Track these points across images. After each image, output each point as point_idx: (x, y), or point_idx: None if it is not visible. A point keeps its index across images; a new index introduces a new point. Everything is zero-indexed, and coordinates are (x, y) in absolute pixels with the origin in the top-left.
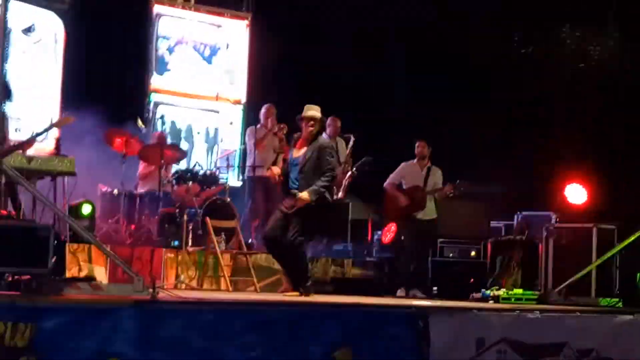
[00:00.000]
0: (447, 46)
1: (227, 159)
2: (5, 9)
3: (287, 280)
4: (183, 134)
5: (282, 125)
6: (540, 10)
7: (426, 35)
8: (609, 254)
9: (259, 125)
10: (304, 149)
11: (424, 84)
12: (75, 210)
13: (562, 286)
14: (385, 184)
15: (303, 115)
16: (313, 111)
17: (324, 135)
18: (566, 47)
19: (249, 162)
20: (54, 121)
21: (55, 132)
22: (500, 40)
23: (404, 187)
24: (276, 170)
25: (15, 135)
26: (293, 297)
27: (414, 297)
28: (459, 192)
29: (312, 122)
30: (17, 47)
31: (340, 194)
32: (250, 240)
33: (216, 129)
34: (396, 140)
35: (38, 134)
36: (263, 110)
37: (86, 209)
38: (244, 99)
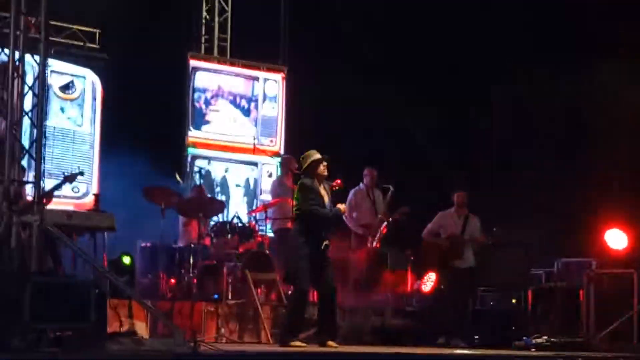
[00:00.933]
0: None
1: (266, 211)
2: (45, 67)
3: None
4: (220, 187)
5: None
6: (574, 54)
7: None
8: None
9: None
10: (326, 195)
11: (459, 132)
12: (115, 264)
13: (604, 332)
14: (423, 233)
15: (316, 159)
16: (317, 154)
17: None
18: (603, 91)
19: (276, 214)
20: (67, 175)
21: (94, 188)
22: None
23: (442, 236)
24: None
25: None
26: (332, 347)
27: (456, 346)
28: (497, 240)
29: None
30: (56, 105)
31: (375, 244)
32: (289, 292)
33: (256, 181)
34: (434, 190)
35: (54, 189)
36: (283, 161)
37: (126, 260)
38: (282, 151)
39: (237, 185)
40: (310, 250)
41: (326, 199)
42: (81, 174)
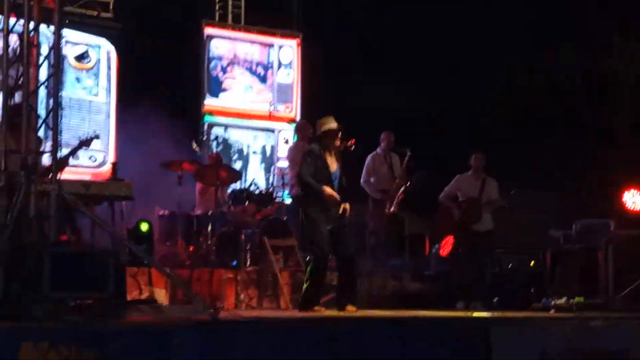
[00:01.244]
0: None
1: (283, 178)
2: (60, 37)
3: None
4: (237, 154)
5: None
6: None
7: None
8: None
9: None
10: (334, 163)
11: (479, 95)
12: (133, 232)
13: (623, 293)
14: (440, 197)
15: (332, 128)
16: (335, 123)
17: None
18: (625, 57)
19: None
20: (82, 140)
21: (111, 157)
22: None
23: (460, 199)
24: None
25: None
26: (352, 311)
27: (474, 309)
28: (515, 203)
29: (340, 135)
30: (71, 75)
31: (393, 208)
32: (307, 258)
33: (272, 148)
34: (453, 153)
35: (70, 154)
36: (298, 126)
37: (144, 227)
38: (298, 117)
39: (254, 153)
40: (325, 216)
41: (333, 167)
42: (97, 137)
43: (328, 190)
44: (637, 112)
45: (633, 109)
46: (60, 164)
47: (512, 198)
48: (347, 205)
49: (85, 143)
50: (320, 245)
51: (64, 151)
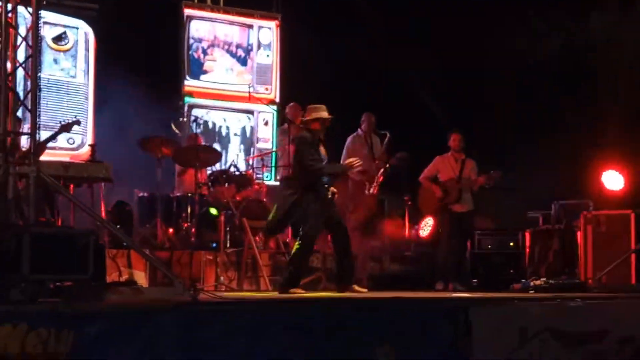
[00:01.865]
0: (481, 34)
1: (262, 159)
2: (38, 18)
3: (327, 277)
4: (217, 136)
5: None
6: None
7: (460, 27)
8: None
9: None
10: (322, 149)
11: (457, 75)
12: (112, 212)
13: (602, 273)
14: (420, 178)
15: (322, 116)
16: (326, 112)
17: (359, 131)
18: (599, 33)
19: (283, 162)
20: (63, 124)
21: (90, 139)
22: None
23: (440, 180)
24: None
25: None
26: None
27: (454, 290)
28: (494, 183)
29: (327, 123)
30: (49, 56)
31: (372, 190)
32: (287, 239)
33: (252, 129)
34: (432, 134)
35: (49, 138)
36: (288, 110)
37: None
38: (277, 99)
39: (235, 135)
40: (320, 206)
41: (323, 153)
42: (77, 123)
43: (347, 161)
44: (619, 92)
45: (615, 90)
46: (39, 147)
47: (492, 179)
48: (334, 189)
49: (65, 128)
50: (316, 228)
51: (44, 135)
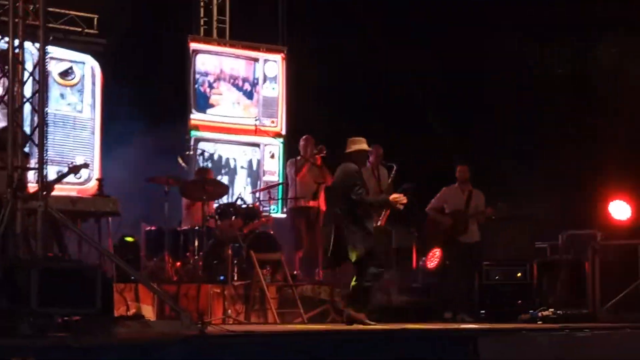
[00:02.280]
0: (486, 64)
1: (269, 192)
2: (44, 53)
3: (334, 310)
4: (224, 169)
5: (320, 147)
6: (578, 27)
7: (461, 57)
8: None
9: (299, 157)
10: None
11: (462, 106)
12: (119, 247)
13: (610, 303)
14: (427, 209)
15: (364, 149)
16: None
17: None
18: (605, 62)
19: (290, 194)
20: (71, 166)
21: (97, 174)
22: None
23: (446, 211)
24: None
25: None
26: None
27: (462, 321)
28: (501, 214)
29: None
30: (56, 91)
31: (380, 222)
32: (295, 272)
33: (258, 162)
34: (438, 166)
35: (56, 180)
36: (302, 142)
37: (129, 239)
38: (283, 132)
39: (242, 167)
40: (371, 236)
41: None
42: (86, 166)
43: (394, 196)
44: (624, 121)
45: (620, 119)
46: (47, 188)
47: (499, 210)
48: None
49: (73, 170)
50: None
51: (51, 170)
